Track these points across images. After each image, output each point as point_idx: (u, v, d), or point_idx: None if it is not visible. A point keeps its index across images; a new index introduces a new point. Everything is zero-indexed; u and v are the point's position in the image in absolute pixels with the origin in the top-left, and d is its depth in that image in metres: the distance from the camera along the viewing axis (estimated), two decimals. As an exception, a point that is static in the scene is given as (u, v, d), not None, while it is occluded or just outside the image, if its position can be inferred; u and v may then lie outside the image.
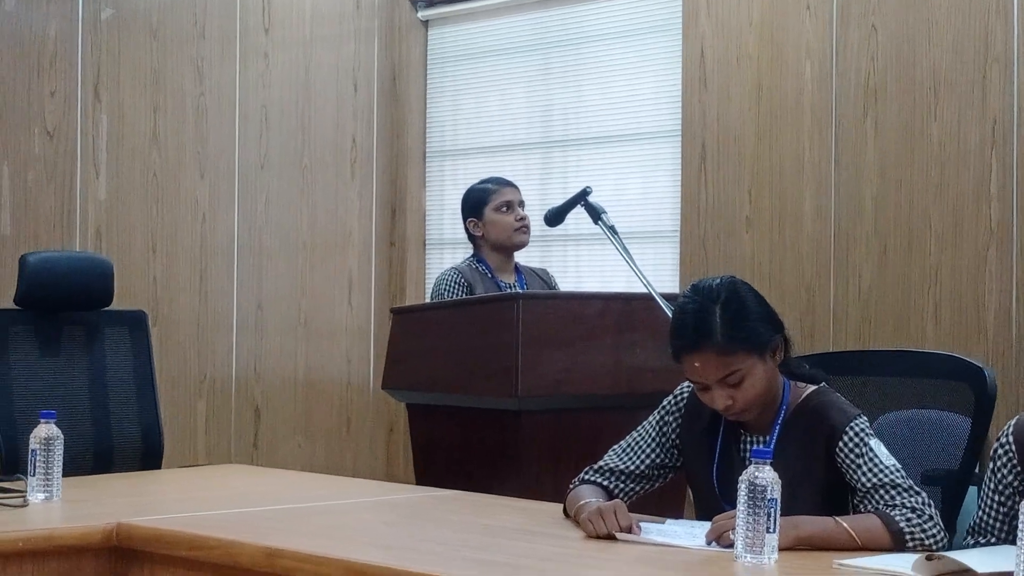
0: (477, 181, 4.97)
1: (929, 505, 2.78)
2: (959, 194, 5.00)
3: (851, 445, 2.88)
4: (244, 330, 6.20)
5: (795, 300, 5.31)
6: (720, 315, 2.91)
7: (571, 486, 3.13)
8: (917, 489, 2.82)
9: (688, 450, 3.10)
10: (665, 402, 3.16)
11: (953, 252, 5.00)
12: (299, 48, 6.40)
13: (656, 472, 3.15)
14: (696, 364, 2.91)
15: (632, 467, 3.13)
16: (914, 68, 5.12)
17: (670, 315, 3.10)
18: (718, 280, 2.98)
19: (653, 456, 3.13)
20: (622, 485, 3.12)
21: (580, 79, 6.26)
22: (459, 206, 4.90)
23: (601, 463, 3.16)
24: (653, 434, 3.14)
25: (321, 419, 6.43)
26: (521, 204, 4.83)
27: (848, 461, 2.87)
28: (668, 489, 3.32)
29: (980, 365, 3.26)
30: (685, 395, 3.12)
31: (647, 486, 3.15)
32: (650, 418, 3.17)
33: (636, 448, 3.15)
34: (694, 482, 3.13)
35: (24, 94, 5.61)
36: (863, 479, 2.84)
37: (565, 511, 3.10)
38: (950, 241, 5.02)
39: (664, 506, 3.46)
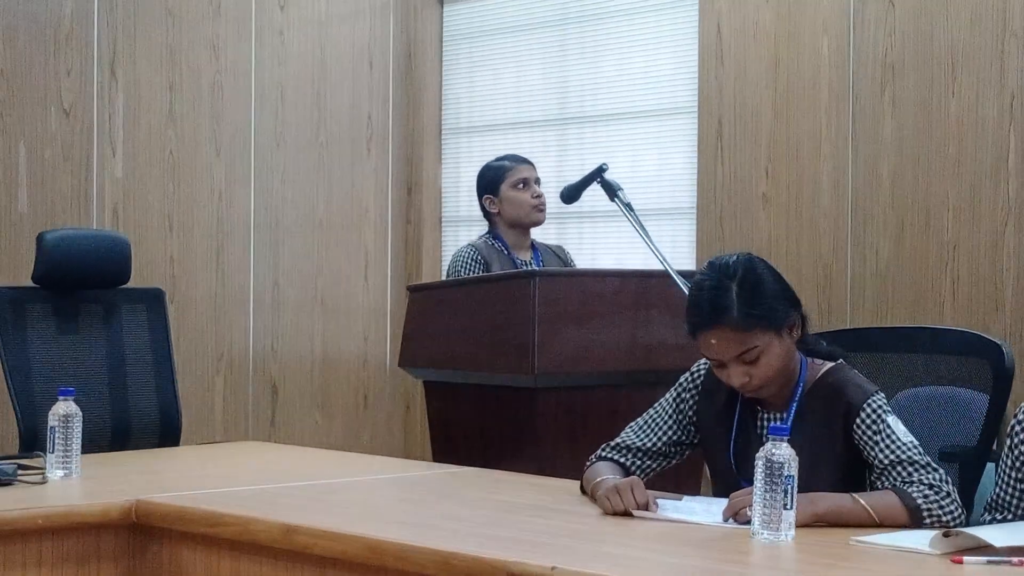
0: (493, 158, 4.97)
1: (947, 482, 2.78)
2: (977, 170, 4.98)
3: (868, 422, 2.88)
4: (261, 308, 6.21)
5: (812, 277, 5.30)
6: (737, 292, 2.90)
7: (588, 463, 3.14)
8: (935, 466, 2.82)
9: (705, 427, 3.10)
10: (682, 379, 3.16)
11: (971, 228, 4.98)
12: (314, 25, 6.40)
13: (673, 449, 3.15)
14: (713, 341, 2.91)
15: (649, 444, 3.13)
16: (931, 43, 5.09)
17: (687, 292, 3.09)
18: (735, 257, 2.98)
19: (670, 433, 3.14)
20: (639, 462, 3.13)
21: (596, 55, 6.24)
22: (475, 183, 4.90)
23: (618, 440, 3.16)
24: (670, 411, 3.14)
25: (338, 396, 6.44)
26: (537, 181, 4.83)
27: (865, 438, 2.87)
28: (685, 466, 3.32)
29: (998, 341, 3.24)
30: (702, 372, 3.12)
31: (664, 463, 3.16)
32: (667, 395, 3.17)
33: (653, 425, 3.15)
34: (711, 459, 3.13)
35: (40, 72, 5.61)
36: (880, 456, 2.84)
37: (582, 488, 3.11)
38: (967, 217, 5.00)
39: (681, 483, 3.46)
